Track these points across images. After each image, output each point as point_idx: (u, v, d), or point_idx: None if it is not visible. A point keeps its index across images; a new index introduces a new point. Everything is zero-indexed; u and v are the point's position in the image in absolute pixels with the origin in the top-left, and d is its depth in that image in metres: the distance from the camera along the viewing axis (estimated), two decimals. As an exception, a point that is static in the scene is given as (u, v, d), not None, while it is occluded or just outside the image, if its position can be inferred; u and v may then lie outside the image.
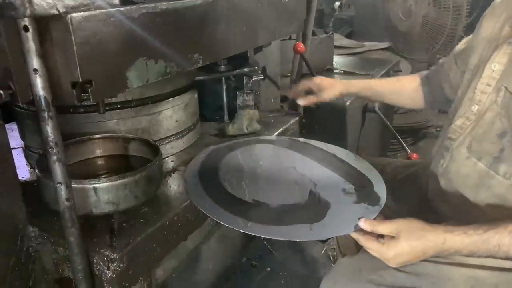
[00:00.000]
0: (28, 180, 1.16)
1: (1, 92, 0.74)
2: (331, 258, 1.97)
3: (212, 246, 1.46)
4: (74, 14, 0.70)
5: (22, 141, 1.27)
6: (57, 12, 0.68)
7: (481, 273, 0.91)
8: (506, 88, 0.91)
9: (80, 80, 0.73)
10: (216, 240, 1.45)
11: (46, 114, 0.71)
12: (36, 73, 0.69)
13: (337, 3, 5.46)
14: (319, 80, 1.37)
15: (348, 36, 4.28)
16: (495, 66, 0.96)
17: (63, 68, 0.73)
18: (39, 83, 0.70)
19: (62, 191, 0.76)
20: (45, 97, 0.71)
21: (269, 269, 1.85)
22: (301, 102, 1.40)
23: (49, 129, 0.72)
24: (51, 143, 0.73)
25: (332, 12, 5.43)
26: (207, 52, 1.01)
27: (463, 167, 0.99)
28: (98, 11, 0.74)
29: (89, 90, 0.74)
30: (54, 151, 0.74)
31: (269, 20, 1.29)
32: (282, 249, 1.89)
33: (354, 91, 1.39)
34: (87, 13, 0.72)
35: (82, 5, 0.71)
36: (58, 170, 0.75)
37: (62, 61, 0.73)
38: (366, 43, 3.43)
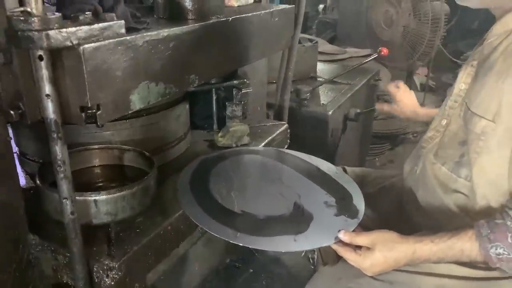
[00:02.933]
0: (24, 187, 1.20)
1: (12, 112, 0.79)
2: (311, 260, 2.05)
3: (198, 249, 1.52)
4: (86, 46, 0.75)
5: (17, 147, 1.30)
6: (70, 44, 0.73)
7: (448, 282, 1.00)
8: (466, 103, 1.03)
9: (89, 105, 0.78)
10: (202, 243, 1.52)
11: (56, 135, 0.77)
12: (48, 98, 0.74)
13: (321, 6, 5.55)
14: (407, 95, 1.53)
15: (331, 40, 4.38)
16: (462, 86, 1.08)
17: (73, 93, 0.78)
18: (50, 107, 0.75)
19: (68, 206, 0.82)
20: (55, 120, 0.76)
21: (251, 270, 1.93)
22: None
23: (58, 149, 0.78)
24: (59, 162, 0.79)
25: (316, 14, 5.51)
26: (202, 73, 1.08)
27: (431, 171, 1.11)
28: (107, 41, 0.79)
29: (97, 114, 0.80)
30: (62, 169, 0.79)
31: (259, 40, 1.36)
32: (264, 252, 1.96)
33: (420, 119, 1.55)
34: (97, 43, 0.77)
35: (92, 36, 0.76)
36: (64, 186, 0.81)
37: (72, 87, 0.78)
38: (348, 49, 3.53)
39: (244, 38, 1.24)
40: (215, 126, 1.60)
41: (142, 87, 0.89)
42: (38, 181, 0.98)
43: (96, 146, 1.16)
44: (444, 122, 1.11)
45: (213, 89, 1.55)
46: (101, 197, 0.94)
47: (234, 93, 1.55)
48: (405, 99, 1.52)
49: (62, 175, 0.79)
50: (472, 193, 1.01)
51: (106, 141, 1.19)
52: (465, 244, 0.90)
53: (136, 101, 0.88)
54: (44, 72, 0.72)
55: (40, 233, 0.99)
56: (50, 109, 0.75)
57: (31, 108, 0.79)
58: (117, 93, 0.85)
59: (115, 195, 0.95)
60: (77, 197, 0.89)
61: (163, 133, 1.31)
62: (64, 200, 0.81)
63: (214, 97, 1.57)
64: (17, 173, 0.91)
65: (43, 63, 0.72)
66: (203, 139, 1.55)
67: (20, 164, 1.30)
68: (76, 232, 0.85)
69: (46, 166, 1.04)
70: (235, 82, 1.52)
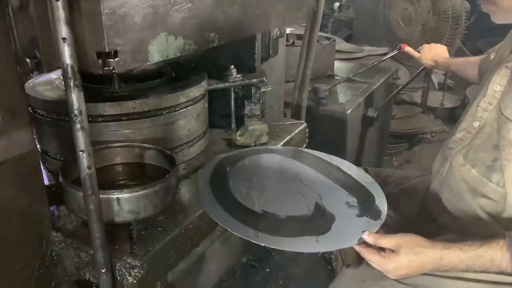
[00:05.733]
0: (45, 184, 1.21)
1: (28, 60, 0.77)
2: (327, 260, 2.04)
3: (215, 248, 1.52)
4: None
5: (38, 145, 1.31)
6: None
7: (475, 286, 0.98)
8: (500, 107, 1.00)
9: (106, 50, 0.75)
10: (218, 242, 1.51)
11: (72, 83, 0.72)
12: (64, 42, 0.70)
13: (337, 4, 5.49)
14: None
15: (347, 39, 4.34)
16: (497, 87, 1.04)
17: (90, 37, 0.75)
18: (67, 51, 0.71)
19: (84, 159, 0.77)
20: (72, 66, 0.72)
21: (268, 270, 1.92)
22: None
23: (74, 97, 0.73)
24: (75, 111, 0.74)
25: (332, 12, 5.46)
26: (222, 32, 1.04)
27: (458, 173, 1.07)
28: None
29: (114, 60, 0.76)
30: (79, 119, 0.75)
31: (280, 5, 1.30)
32: (281, 251, 1.95)
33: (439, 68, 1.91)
34: None
35: None
36: (81, 138, 0.76)
37: (89, 31, 0.74)
38: (365, 48, 3.49)
39: (264, 1, 1.20)
40: (233, 125, 1.60)
41: (160, 39, 0.86)
42: (61, 178, 0.98)
43: (117, 144, 1.16)
44: (476, 124, 1.07)
45: (232, 88, 1.54)
46: (124, 195, 0.94)
47: (252, 91, 1.54)
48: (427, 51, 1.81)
49: (78, 125, 0.75)
50: (502, 199, 0.98)
51: (126, 140, 1.19)
52: (495, 254, 0.88)
53: (155, 53, 0.85)
54: (61, 12, 0.68)
55: (63, 230, 1.00)
56: (67, 54, 0.70)
57: (47, 56, 0.76)
58: (135, 41, 0.81)
59: (137, 193, 0.95)
60: (99, 195, 0.89)
61: (183, 131, 1.31)
62: (80, 153, 0.77)
63: (233, 96, 1.56)
64: (42, 171, 0.91)
65: (59, 3, 0.68)
66: (221, 137, 1.55)
67: (42, 161, 1.31)
68: (93, 188, 0.80)
69: (68, 163, 1.05)
70: (254, 80, 1.51)
